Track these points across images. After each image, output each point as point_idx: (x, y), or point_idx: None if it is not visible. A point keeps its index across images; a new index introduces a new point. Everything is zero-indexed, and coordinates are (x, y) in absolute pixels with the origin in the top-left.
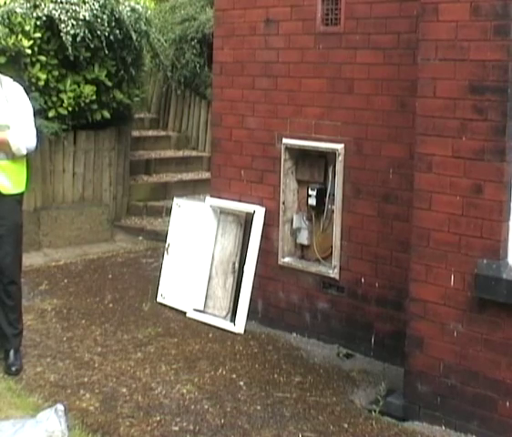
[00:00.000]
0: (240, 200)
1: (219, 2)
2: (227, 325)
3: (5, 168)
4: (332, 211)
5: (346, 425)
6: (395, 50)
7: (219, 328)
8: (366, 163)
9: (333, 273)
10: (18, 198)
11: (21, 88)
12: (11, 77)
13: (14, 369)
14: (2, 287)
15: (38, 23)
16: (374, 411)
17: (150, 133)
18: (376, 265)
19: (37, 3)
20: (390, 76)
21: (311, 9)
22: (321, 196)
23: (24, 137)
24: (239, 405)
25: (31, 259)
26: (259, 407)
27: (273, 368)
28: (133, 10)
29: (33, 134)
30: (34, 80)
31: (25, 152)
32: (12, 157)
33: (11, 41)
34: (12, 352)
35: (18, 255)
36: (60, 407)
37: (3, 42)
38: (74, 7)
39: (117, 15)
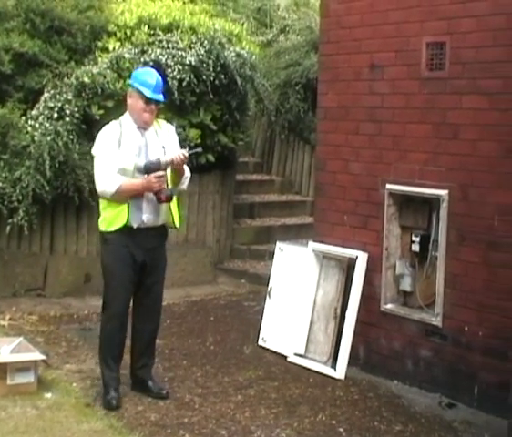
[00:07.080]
0: (343, 245)
1: (323, 47)
2: (328, 370)
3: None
4: (436, 258)
5: None
6: (503, 95)
7: (319, 373)
8: (471, 209)
9: (437, 321)
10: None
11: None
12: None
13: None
14: None
15: None
16: None
17: (254, 177)
18: (481, 313)
19: (145, 48)
20: (496, 122)
21: (415, 54)
22: (424, 242)
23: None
24: None
25: None
26: None
27: (374, 415)
28: (238, 55)
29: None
30: None
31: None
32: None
33: (119, 85)
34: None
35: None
36: None
37: (111, 86)
38: (180, 52)
39: (222, 61)
